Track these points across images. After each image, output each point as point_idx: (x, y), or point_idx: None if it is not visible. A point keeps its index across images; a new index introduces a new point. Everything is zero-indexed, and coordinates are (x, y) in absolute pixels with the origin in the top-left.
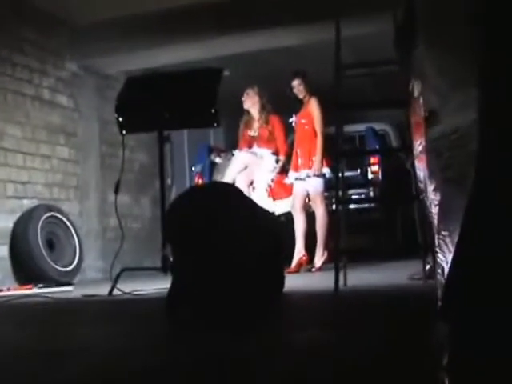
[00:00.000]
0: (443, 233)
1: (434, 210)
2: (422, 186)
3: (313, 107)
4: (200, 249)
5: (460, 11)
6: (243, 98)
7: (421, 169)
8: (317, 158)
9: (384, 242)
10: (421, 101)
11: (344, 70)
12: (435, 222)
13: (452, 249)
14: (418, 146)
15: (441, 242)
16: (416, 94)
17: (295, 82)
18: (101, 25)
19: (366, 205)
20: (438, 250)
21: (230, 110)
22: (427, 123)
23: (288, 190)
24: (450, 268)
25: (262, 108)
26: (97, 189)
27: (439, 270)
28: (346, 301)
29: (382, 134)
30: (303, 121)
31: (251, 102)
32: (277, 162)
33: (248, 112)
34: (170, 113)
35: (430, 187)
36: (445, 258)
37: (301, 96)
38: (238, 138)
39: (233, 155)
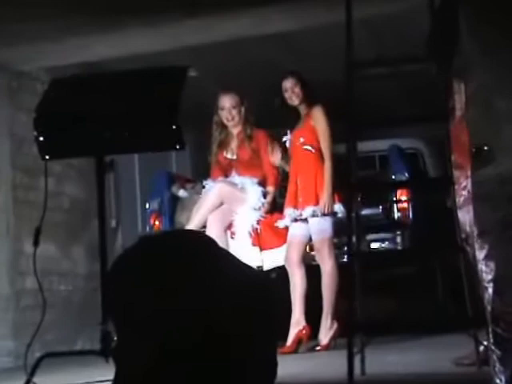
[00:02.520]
0: (505, 308)
1: (485, 270)
2: (468, 230)
3: (317, 120)
4: (156, 326)
5: None
6: (224, 110)
7: (465, 209)
8: (326, 189)
9: (418, 309)
10: (464, 118)
11: (358, 69)
12: (489, 291)
13: None
14: (463, 178)
15: (499, 316)
16: (459, 104)
17: (288, 84)
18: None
19: (392, 255)
20: (495, 325)
21: (198, 124)
22: (475, 161)
23: (281, 236)
24: None
25: (244, 120)
26: (7, 235)
27: (497, 354)
28: None
29: (413, 154)
30: (302, 140)
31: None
32: (264, 195)
33: (223, 126)
34: (113, 131)
35: (478, 241)
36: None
37: (296, 103)
38: (210, 163)
39: (203, 187)
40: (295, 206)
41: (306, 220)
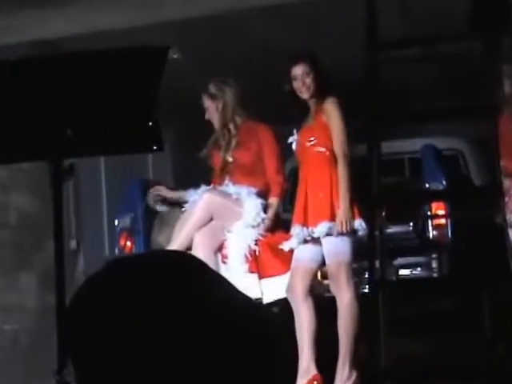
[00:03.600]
0: None
1: None
2: None
3: (331, 115)
4: (131, 374)
5: None
6: (205, 100)
7: None
8: (343, 201)
9: (459, 352)
10: None
11: (383, 51)
12: None
13: None
14: None
15: None
16: (510, 94)
17: (298, 71)
18: None
19: (426, 284)
20: None
21: (181, 118)
22: None
23: (285, 261)
24: None
25: (240, 113)
26: None
27: None
28: None
29: (452, 156)
30: (313, 140)
31: (220, 106)
32: (265, 209)
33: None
34: (73, 127)
35: None
36: None
37: (306, 95)
38: (209, 164)
39: (186, 201)
40: (305, 223)
41: (317, 240)
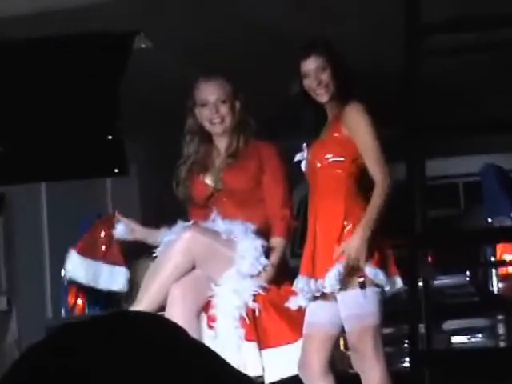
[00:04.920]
0: None
1: None
2: None
3: (357, 126)
4: None
5: None
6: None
7: None
8: (362, 228)
9: None
10: None
11: (425, 38)
12: None
13: None
14: None
15: None
16: None
17: (311, 65)
18: None
19: (490, 357)
20: None
21: (154, 131)
22: None
23: (295, 325)
24: None
25: (238, 124)
26: None
27: None
28: None
29: None
30: (330, 158)
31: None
32: (267, 253)
33: (203, 134)
34: (5, 142)
35: None
36: None
37: (323, 97)
38: (185, 194)
39: (157, 244)
40: (312, 274)
41: (332, 296)
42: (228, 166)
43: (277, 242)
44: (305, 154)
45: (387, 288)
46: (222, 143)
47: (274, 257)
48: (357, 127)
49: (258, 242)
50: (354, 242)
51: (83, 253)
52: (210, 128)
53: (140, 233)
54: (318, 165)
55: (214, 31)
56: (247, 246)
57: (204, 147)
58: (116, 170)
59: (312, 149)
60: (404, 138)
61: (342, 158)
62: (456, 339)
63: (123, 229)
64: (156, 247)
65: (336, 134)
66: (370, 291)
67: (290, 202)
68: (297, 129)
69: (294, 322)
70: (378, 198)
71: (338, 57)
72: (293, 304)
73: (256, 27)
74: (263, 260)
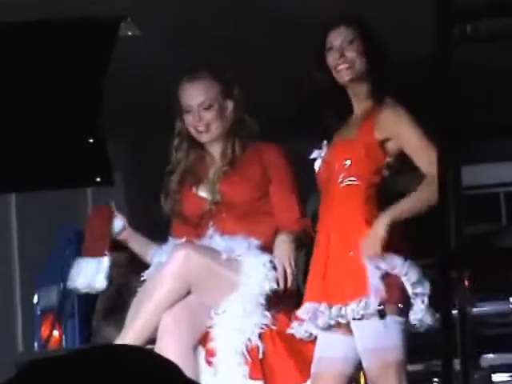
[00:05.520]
0: None
1: None
2: None
3: (396, 127)
4: None
5: None
6: (187, 99)
7: None
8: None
9: None
10: None
11: (460, 23)
12: None
13: None
14: None
15: None
16: None
17: (336, 36)
18: None
19: None
20: None
21: (142, 133)
22: None
23: (305, 362)
24: None
25: (232, 126)
26: None
27: None
28: None
29: None
30: (347, 164)
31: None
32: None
33: (193, 138)
34: None
35: None
36: None
37: (346, 77)
38: (175, 209)
39: (143, 273)
40: (325, 298)
41: (347, 327)
42: (225, 174)
43: (288, 236)
44: (323, 152)
45: (417, 321)
46: (215, 149)
47: (291, 281)
48: (399, 131)
49: (266, 258)
50: (377, 228)
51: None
52: (197, 136)
53: (129, 234)
54: (337, 167)
55: (204, 16)
56: (253, 264)
57: (195, 153)
58: (98, 179)
59: (332, 149)
60: (436, 139)
61: (365, 165)
62: (497, 377)
63: (120, 225)
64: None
65: (365, 136)
66: (392, 320)
67: (303, 209)
68: (313, 128)
69: (305, 358)
70: (425, 192)
71: (370, 34)
72: (298, 331)
73: (264, 14)
74: (272, 283)
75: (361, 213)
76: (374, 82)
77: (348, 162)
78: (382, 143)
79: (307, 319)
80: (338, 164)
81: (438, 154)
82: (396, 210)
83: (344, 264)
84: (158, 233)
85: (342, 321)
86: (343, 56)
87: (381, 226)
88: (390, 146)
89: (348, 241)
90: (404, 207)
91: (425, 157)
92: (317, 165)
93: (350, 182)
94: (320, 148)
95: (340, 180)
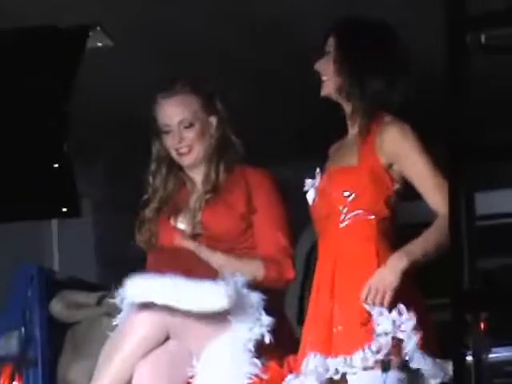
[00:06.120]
0: None
1: None
2: None
3: (398, 150)
4: None
5: None
6: (165, 116)
7: None
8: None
9: None
10: None
11: (474, 31)
12: None
13: None
14: None
15: None
16: None
17: (326, 47)
18: None
19: None
20: None
21: (114, 154)
22: None
23: None
24: None
25: (216, 146)
26: None
27: None
28: None
29: None
30: (349, 195)
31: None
32: (267, 310)
33: (172, 162)
34: None
35: None
36: None
37: (326, 91)
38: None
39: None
40: (332, 349)
41: (343, 379)
42: (207, 203)
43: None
44: (316, 181)
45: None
46: (196, 174)
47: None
48: (403, 155)
49: (255, 297)
50: (384, 270)
51: None
52: (178, 159)
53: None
54: (335, 197)
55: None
56: (241, 305)
57: (174, 180)
58: (64, 209)
59: (329, 177)
60: (447, 161)
61: (371, 195)
62: None
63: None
64: (117, 311)
65: (369, 161)
66: (393, 376)
67: (292, 248)
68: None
69: None
70: (437, 232)
71: (349, 44)
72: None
73: (255, 21)
74: (265, 320)
75: (372, 253)
76: (362, 98)
77: (348, 194)
78: (388, 168)
79: (307, 371)
80: (337, 195)
81: (448, 180)
82: (413, 252)
83: (353, 311)
84: (131, 267)
85: (351, 371)
86: (322, 68)
87: (393, 273)
88: (396, 169)
89: (356, 284)
90: (419, 251)
91: (430, 189)
92: (310, 197)
93: (355, 217)
94: (313, 177)
95: (343, 216)
